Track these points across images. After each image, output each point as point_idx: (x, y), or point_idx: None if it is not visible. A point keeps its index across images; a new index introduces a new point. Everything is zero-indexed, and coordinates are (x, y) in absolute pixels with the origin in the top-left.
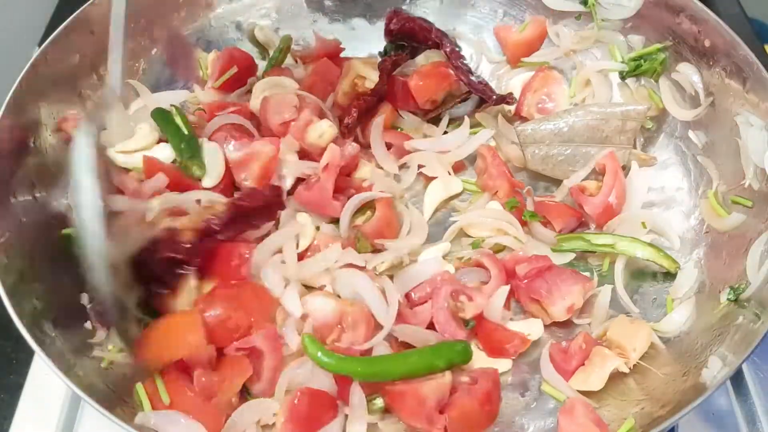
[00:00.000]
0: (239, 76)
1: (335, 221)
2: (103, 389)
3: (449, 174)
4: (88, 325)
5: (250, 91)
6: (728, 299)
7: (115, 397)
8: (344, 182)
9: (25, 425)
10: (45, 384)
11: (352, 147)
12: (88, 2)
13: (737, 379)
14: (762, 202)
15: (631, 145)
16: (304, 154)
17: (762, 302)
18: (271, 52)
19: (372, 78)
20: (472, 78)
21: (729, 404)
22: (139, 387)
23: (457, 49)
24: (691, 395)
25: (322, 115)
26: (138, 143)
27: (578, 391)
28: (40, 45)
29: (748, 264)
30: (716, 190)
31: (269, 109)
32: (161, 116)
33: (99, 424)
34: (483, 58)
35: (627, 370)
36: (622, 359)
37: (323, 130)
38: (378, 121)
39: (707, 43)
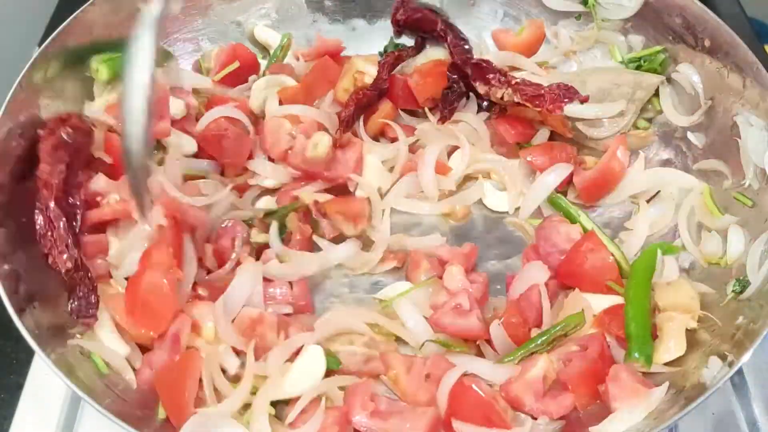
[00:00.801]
0: (241, 72)
1: None
2: (103, 389)
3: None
4: None
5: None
6: (734, 291)
7: (115, 396)
8: None
9: (25, 425)
10: (45, 384)
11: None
12: (88, 2)
13: (737, 379)
14: (762, 202)
15: (637, 114)
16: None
17: (762, 302)
18: (272, 52)
19: (371, 74)
20: None
21: (729, 404)
22: None
23: (463, 41)
24: (691, 395)
25: (319, 129)
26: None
27: (665, 364)
28: (40, 45)
29: (748, 264)
30: (711, 189)
31: (266, 140)
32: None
33: (99, 424)
34: None
35: (695, 325)
36: (688, 315)
37: (318, 139)
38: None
39: (707, 43)
